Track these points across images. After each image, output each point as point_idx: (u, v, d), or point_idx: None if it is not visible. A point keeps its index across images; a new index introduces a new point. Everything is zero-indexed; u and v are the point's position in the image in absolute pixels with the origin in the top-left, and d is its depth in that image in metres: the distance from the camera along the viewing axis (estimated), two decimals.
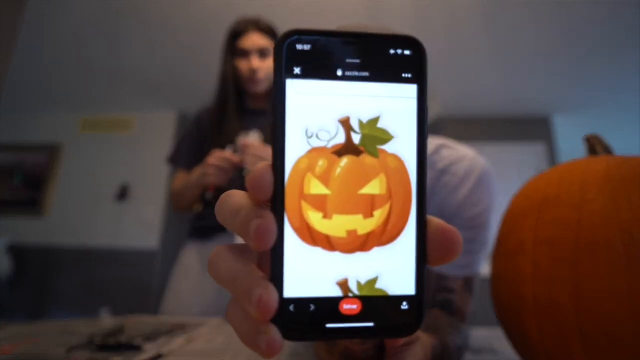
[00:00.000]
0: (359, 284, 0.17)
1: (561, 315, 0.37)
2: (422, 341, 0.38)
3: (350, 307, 0.17)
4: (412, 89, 0.17)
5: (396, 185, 0.17)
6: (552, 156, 3.25)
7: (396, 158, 0.17)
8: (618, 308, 0.35)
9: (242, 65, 1.10)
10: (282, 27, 1.19)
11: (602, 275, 0.36)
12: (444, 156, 0.61)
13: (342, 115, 0.17)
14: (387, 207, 0.17)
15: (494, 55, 2.57)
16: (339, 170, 0.16)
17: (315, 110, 0.16)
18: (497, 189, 0.62)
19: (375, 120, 0.17)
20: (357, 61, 0.17)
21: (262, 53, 1.10)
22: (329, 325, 0.16)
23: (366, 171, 0.17)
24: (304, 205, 0.16)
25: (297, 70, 0.17)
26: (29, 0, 1.02)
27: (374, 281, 0.17)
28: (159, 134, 3.35)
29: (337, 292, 0.17)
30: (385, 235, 0.17)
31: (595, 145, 0.47)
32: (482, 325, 0.89)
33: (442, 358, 0.47)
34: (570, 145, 3.10)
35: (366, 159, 0.17)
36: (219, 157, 0.95)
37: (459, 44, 2.46)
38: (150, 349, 0.55)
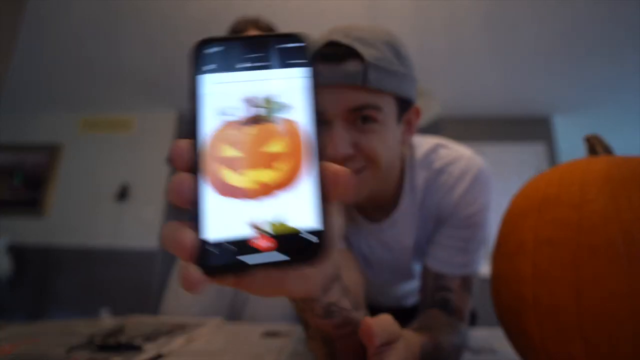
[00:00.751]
0: (270, 223, 0.20)
1: (561, 316, 0.37)
2: (408, 339, 0.38)
3: (263, 243, 0.20)
4: (302, 71, 0.22)
5: (294, 143, 0.21)
6: (552, 156, 3.25)
7: (293, 122, 0.21)
8: (618, 308, 0.35)
9: None
10: (282, 27, 1.19)
11: (602, 276, 0.36)
12: (441, 155, 0.62)
13: (248, 95, 0.21)
14: (289, 161, 0.20)
15: (494, 55, 2.57)
16: (246, 136, 0.21)
17: (227, 94, 0.21)
18: (496, 188, 0.62)
19: (275, 96, 0.21)
20: (257, 55, 0.22)
21: None
22: (245, 260, 0.19)
23: (269, 134, 0.21)
24: (220, 166, 0.20)
25: (211, 67, 0.21)
26: (29, 0, 1.02)
27: (283, 220, 0.20)
28: (159, 134, 3.35)
29: (252, 232, 0.20)
30: (289, 183, 0.20)
31: (595, 145, 0.47)
32: (482, 325, 0.89)
33: (436, 357, 0.47)
34: (570, 145, 3.10)
35: (269, 125, 0.21)
36: None
37: (459, 44, 2.47)
38: (150, 349, 0.55)
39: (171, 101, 3.29)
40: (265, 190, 0.20)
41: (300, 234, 0.20)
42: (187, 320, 0.82)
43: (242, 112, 0.21)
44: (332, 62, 0.49)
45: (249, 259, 0.19)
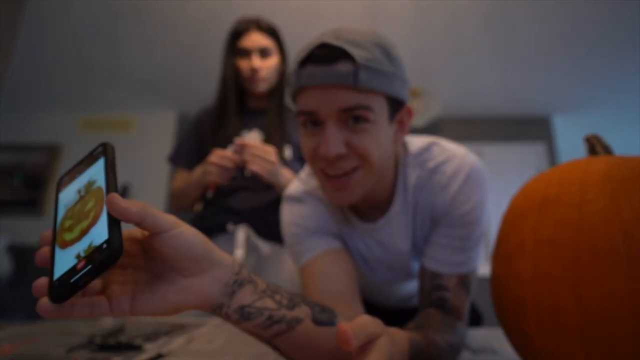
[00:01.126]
0: (84, 250, 0.30)
1: (561, 316, 0.37)
2: (393, 335, 0.39)
3: (81, 264, 0.29)
4: (103, 159, 0.35)
5: (98, 198, 0.33)
6: (552, 156, 3.25)
7: (98, 188, 0.34)
8: (618, 308, 0.35)
9: (243, 64, 1.10)
10: (282, 27, 1.19)
11: (602, 275, 0.36)
12: (435, 154, 0.62)
13: (78, 187, 0.35)
14: (96, 209, 0.32)
15: (494, 55, 2.57)
16: (77, 208, 0.33)
17: (70, 193, 0.36)
18: (496, 188, 0.62)
19: (91, 179, 0.35)
20: (81, 165, 0.37)
21: (263, 52, 1.10)
22: (73, 280, 0.28)
23: (87, 201, 0.33)
24: (63, 232, 0.32)
25: (62, 185, 0.37)
26: (29, 0, 1.02)
27: (91, 244, 0.30)
28: (159, 134, 3.35)
29: (75, 262, 0.30)
30: (96, 221, 0.31)
31: (595, 145, 0.47)
32: (483, 325, 0.89)
33: (432, 355, 0.47)
34: (570, 145, 3.10)
35: (88, 196, 0.34)
36: (220, 156, 0.95)
37: (459, 44, 2.46)
38: (150, 349, 0.55)
39: (171, 101, 3.29)
40: (84, 232, 0.31)
41: (98, 247, 0.29)
42: (187, 320, 0.82)
43: (76, 197, 0.34)
44: (323, 64, 0.50)
45: (73, 279, 0.29)
